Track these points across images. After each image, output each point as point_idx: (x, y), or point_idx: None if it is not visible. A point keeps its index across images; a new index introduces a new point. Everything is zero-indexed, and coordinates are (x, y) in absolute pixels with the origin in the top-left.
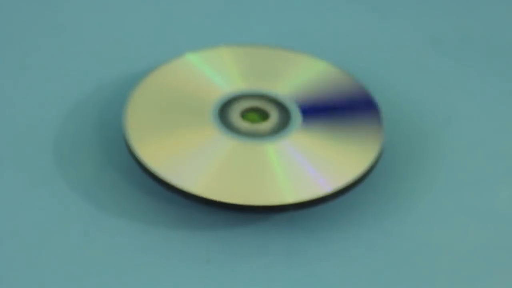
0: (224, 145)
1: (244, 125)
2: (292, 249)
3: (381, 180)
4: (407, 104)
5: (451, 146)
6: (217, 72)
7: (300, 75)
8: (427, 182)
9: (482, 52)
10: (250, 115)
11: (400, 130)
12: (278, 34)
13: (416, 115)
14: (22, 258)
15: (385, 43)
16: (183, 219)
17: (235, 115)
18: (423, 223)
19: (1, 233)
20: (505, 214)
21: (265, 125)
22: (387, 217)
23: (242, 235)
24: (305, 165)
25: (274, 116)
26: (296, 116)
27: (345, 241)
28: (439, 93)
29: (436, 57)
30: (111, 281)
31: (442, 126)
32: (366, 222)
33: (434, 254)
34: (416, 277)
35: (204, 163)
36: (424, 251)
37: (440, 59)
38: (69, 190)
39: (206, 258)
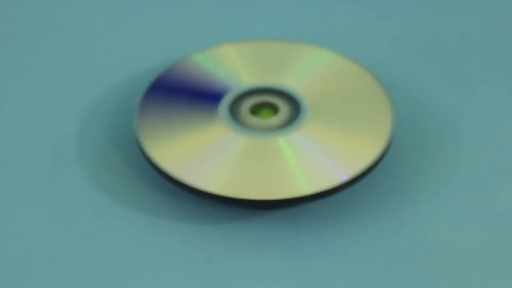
0: (237, 141)
1: (254, 120)
2: (292, 247)
3: (381, 179)
4: (408, 104)
5: (451, 146)
6: (224, 69)
7: (306, 66)
8: (427, 182)
9: (484, 51)
10: (260, 111)
11: (400, 131)
12: (279, 31)
13: (416, 116)
14: (23, 257)
15: (387, 42)
16: (183, 216)
17: (245, 111)
18: (423, 223)
19: (8, 230)
20: (505, 214)
21: (276, 119)
22: (387, 216)
23: (242, 232)
24: (318, 155)
25: (284, 109)
26: (306, 107)
27: (345, 239)
28: (440, 93)
29: (438, 57)
30: (111, 279)
31: (443, 126)
32: (367, 221)
33: (434, 254)
34: (416, 276)
35: (218, 161)
36: (424, 250)
37: (441, 58)
38: (73, 189)
39: (206, 257)
